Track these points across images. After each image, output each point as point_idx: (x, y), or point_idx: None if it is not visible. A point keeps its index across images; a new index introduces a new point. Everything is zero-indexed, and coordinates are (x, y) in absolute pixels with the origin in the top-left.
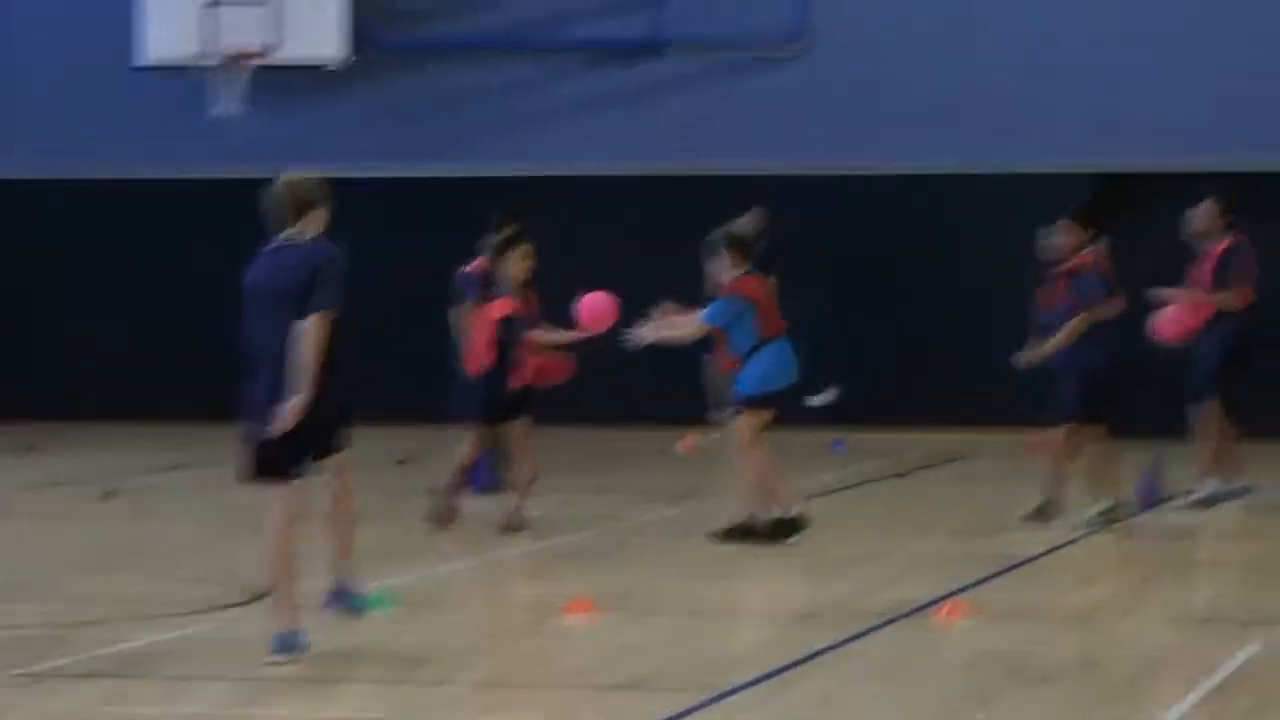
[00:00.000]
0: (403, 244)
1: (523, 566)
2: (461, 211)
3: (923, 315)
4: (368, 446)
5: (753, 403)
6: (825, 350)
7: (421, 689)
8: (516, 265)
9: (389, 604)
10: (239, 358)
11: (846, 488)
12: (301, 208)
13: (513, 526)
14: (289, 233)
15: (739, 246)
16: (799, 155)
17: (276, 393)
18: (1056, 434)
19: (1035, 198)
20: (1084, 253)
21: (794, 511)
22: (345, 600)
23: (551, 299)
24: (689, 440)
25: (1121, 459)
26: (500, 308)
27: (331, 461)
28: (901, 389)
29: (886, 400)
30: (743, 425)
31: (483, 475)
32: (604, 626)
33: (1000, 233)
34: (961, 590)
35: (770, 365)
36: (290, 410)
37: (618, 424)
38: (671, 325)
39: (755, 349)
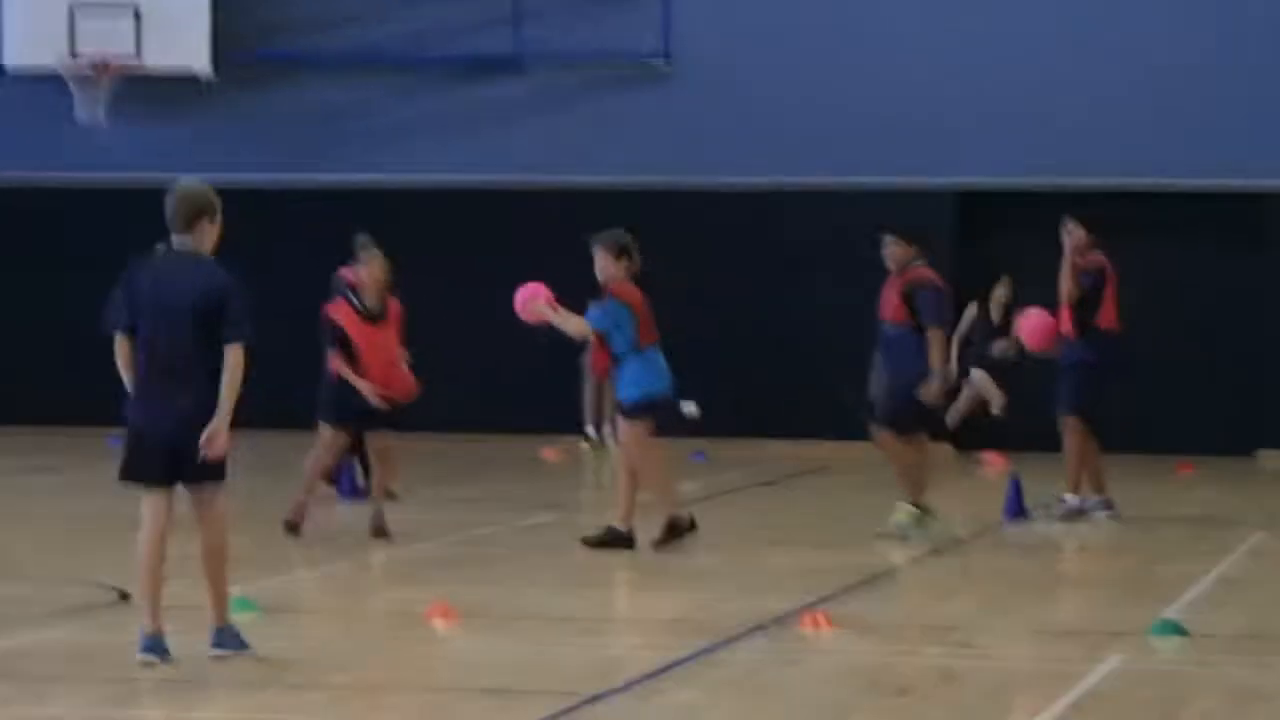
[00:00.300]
0: (270, 253)
1: (386, 573)
2: (326, 222)
3: (788, 328)
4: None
5: (636, 410)
6: (691, 362)
7: (288, 692)
8: (367, 273)
9: (252, 610)
10: (103, 361)
11: (710, 497)
12: (193, 217)
13: (378, 532)
14: (181, 241)
15: (616, 248)
16: (662, 171)
17: (166, 402)
18: (894, 443)
19: (899, 214)
20: (918, 266)
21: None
22: (228, 639)
23: (413, 308)
24: (553, 450)
25: (933, 469)
26: (333, 309)
27: (203, 494)
28: (768, 400)
29: (752, 411)
30: (629, 434)
31: (348, 481)
32: (468, 633)
33: (865, 248)
34: (823, 601)
35: (645, 372)
36: (217, 434)
37: (482, 432)
38: (566, 316)
39: (630, 355)
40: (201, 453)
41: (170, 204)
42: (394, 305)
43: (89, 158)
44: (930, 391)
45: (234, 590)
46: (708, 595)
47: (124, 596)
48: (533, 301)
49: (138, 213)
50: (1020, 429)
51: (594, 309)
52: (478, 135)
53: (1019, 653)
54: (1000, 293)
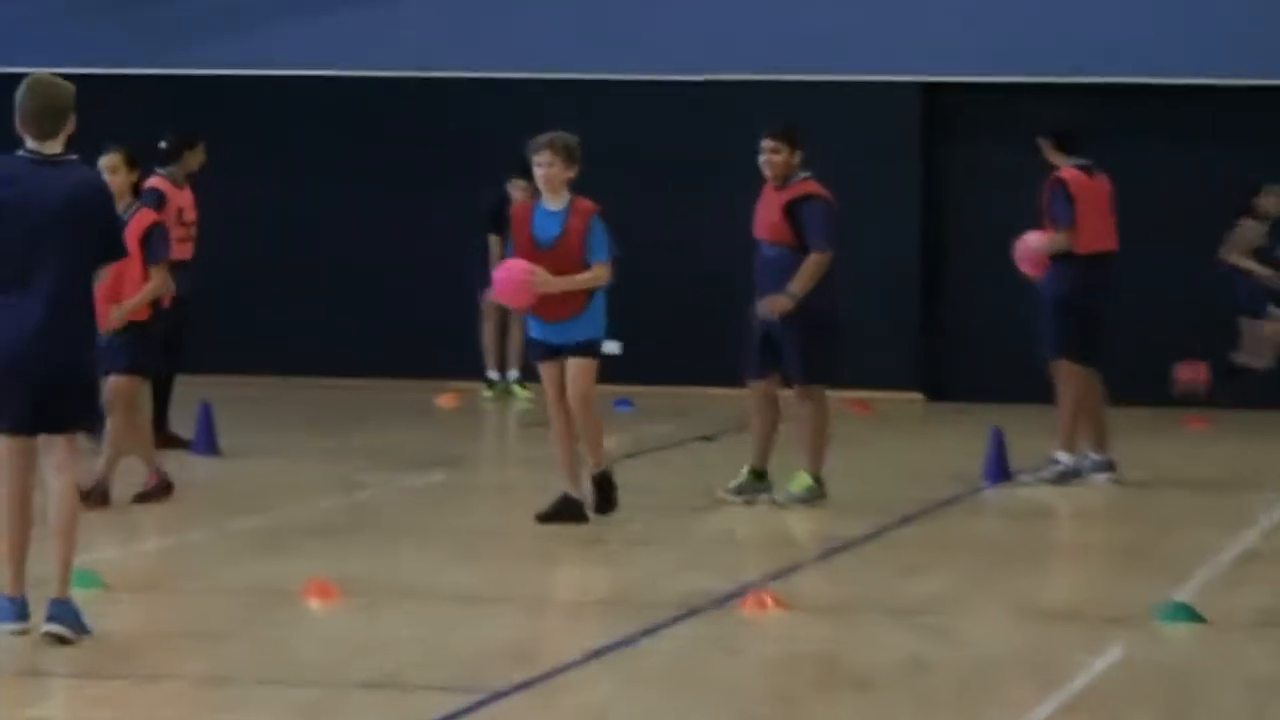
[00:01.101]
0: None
1: (252, 542)
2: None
3: (734, 255)
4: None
5: (597, 348)
6: (613, 293)
7: (136, 685)
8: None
9: (95, 585)
10: None
11: (638, 454)
12: (64, 118)
13: (95, 499)
14: (51, 148)
15: (568, 152)
16: (583, 64)
17: (40, 330)
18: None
19: (861, 112)
20: (805, 178)
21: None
22: (67, 616)
23: (288, 229)
24: (449, 397)
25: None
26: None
27: (69, 442)
28: (706, 341)
29: (688, 353)
30: (590, 379)
31: (203, 434)
32: (348, 614)
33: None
34: (771, 579)
35: (602, 304)
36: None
37: (367, 376)
38: (569, 279)
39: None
40: (79, 389)
41: (34, 102)
42: (138, 219)
43: None
44: (775, 305)
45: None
46: (632, 570)
47: None
48: (523, 283)
49: None
50: (1004, 374)
51: (597, 238)
52: (361, 21)
53: (1002, 639)
54: (1271, 202)
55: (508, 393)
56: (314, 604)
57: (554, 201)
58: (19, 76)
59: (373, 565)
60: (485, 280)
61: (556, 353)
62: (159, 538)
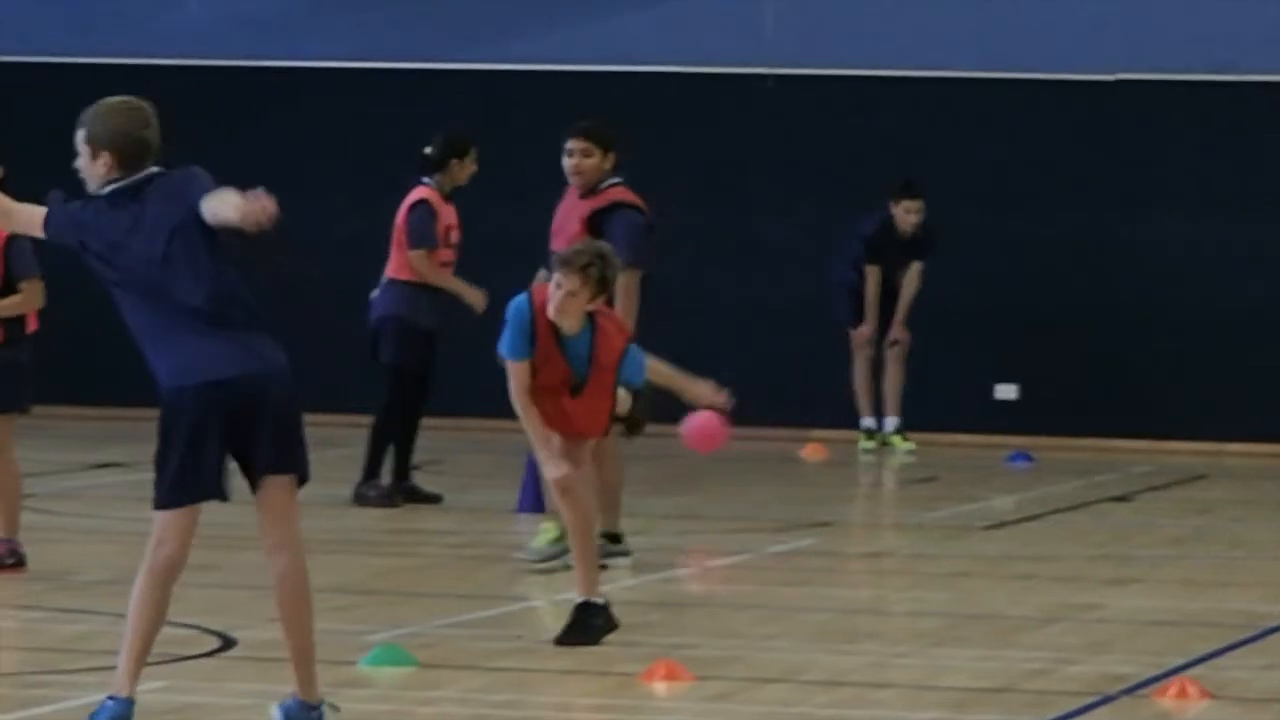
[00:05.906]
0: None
1: None
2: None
3: (1149, 278)
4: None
5: None
6: (1004, 325)
7: None
8: None
9: (398, 663)
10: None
11: (1034, 517)
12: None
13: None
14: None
15: (608, 276)
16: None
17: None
18: None
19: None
20: (616, 184)
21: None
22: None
23: None
24: (815, 448)
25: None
26: None
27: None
28: (1115, 383)
29: (1097, 399)
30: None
31: (530, 492)
32: (699, 701)
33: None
34: (1195, 664)
35: None
36: None
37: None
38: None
39: None
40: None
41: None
42: None
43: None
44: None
45: (383, 635)
46: (1031, 652)
47: None
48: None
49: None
50: None
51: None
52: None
53: None
54: None
55: (885, 444)
56: (659, 688)
57: (569, 322)
58: (306, 71)
59: (727, 644)
60: (857, 314)
61: None
62: (479, 608)
